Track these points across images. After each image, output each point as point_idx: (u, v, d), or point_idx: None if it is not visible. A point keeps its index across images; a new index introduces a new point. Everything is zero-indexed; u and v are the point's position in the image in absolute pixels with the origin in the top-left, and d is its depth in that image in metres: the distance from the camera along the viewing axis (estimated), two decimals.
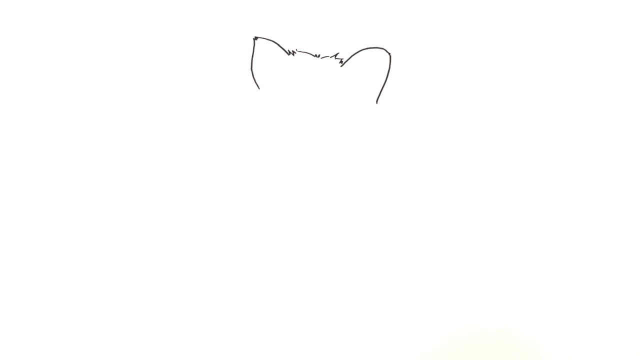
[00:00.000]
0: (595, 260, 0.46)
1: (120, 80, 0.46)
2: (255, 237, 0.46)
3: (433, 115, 0.47)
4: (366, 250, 0.47)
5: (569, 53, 0.48)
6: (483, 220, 0.47)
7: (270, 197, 0.47)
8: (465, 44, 0.47)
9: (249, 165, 0.47)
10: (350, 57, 0.47)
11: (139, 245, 0.46)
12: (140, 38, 0.46)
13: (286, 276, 0.47)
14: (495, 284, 0.48)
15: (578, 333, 0.47)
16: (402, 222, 0.47)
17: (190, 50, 0.47)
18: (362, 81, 0.47)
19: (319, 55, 0.47)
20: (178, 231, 0.46)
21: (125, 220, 0.46)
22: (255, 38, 0.47)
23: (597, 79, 0.48)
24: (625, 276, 0.46)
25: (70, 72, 0.46)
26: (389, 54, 0.47)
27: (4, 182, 0.46)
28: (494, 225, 0.47)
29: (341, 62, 0.47)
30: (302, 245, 0.47)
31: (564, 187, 0.47)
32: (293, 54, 0.47)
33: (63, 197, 0.46)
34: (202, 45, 0.47)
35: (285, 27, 0.47)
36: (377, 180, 0.47)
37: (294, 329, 0.46)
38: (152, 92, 0.46)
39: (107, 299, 0.46)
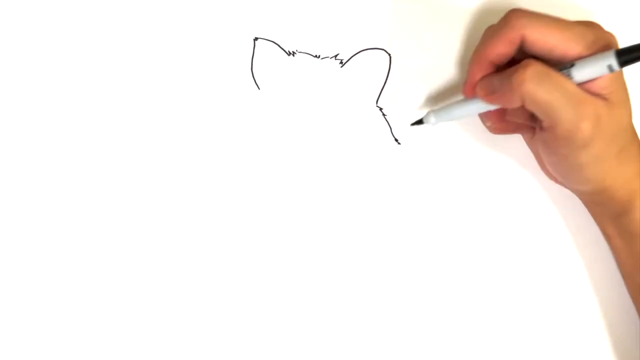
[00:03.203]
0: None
1: (119, 81, 0.46)
2: (255, 237, 0.46)
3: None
4: (365, 252, 0.47)
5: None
6: (485, 221, 0.47)
7: (270, 197, 0.46)
8: (466, 45, 0.47)
9: (248, 166, 0.47)
10: (350, 57, 0.47)
11: (137, 246, 0.46)
12: (139, 38, 0.47)
13: (286, 278, 0.46)
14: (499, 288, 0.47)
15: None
16: (403, 224, 0.47)
17: (190, 50, 0.47)
18: (362, 81, 0.47)
19: (319, 56, 0.47)
20: (177, 231, 0.46)
21: (123, 220, 0.46)
22: (256, 39, 0.47)
23: None
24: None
25: (68, 73, 0.46)
26: (389, 54, 0.47)
27: (4, 182, 0.46)
28: (497, 227, 0.47)
29: (341, 62, 0.47)
30: (301, 247, 0.46)
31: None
32: (293, 55, 0.47)
33: (60, 198, 0.46)
34: (202, 46, 0.47)
35: (285, 28, 0.47)
36: (377, 181, 0.47)
37: (292, 330, 0.46)
38: (151, 92, 0.46)
39: (107, 299, 0.46)
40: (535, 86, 0.37)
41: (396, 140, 0.47)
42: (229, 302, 0.46)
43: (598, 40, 0.38)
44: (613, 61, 0.35)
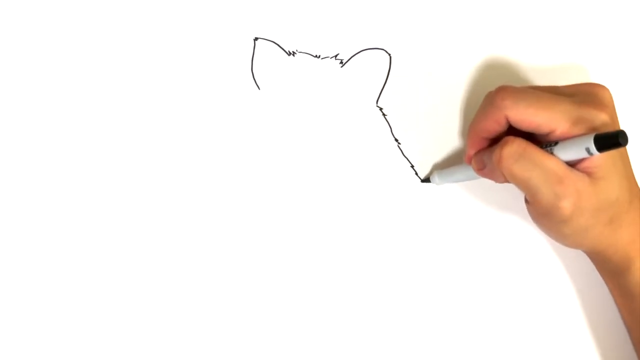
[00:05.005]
0: None
1: (119, 81, 0.46)
2: (255, 237, 0.46)
3: (433, 116, 0.47)
4: (365, 251, 0.47)
5: (572, 52, 0.48)
6: (485, 221, 0.47)
7: (270, 197, 0.46)
8: (466, 45, 0.47)
9: (249, 166, 0.47)
10: (351, 57, 0.47)
11: (137, 246, 0.46)
12: (139, 38, 0.47)
13: (286, 278, 0.46)
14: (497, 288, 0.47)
15: None
16: (403, 223, 0.47)
17: (190, 50, 0.47)
18: (362, 81, 0.47)
19: (319, 56, 0.47)
20: (178, 232, 0.46)
21: (123, 221, 0.46)
22: (256, 39, 0.47)
23: (606, 81, 0.48)
24: None
25: (68, 74, 0.46)
26: (389, 54, 0.47)
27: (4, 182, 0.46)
28: (496, 227, 0.47)
29: (341, 62, 0.47)
30: (300, 245, 0.46)
31: None
32: (293, 55, 0.47)
33: (60, 198, 0.46)
34: (202, 46, 0.47)
35: (285, 28, 0.47)
36: (377, 181, 0.47)
37: (290, 331, 0.46)
38: (151, 93, 0.46)
39: (106, 299, 0.46)
40: (512, 164, 0.38)
41: (396, 140, 0.47)
42: (231, 302, 0.46)
43: (583, 118, 0.37)
44: (591, 145, 0.35)
